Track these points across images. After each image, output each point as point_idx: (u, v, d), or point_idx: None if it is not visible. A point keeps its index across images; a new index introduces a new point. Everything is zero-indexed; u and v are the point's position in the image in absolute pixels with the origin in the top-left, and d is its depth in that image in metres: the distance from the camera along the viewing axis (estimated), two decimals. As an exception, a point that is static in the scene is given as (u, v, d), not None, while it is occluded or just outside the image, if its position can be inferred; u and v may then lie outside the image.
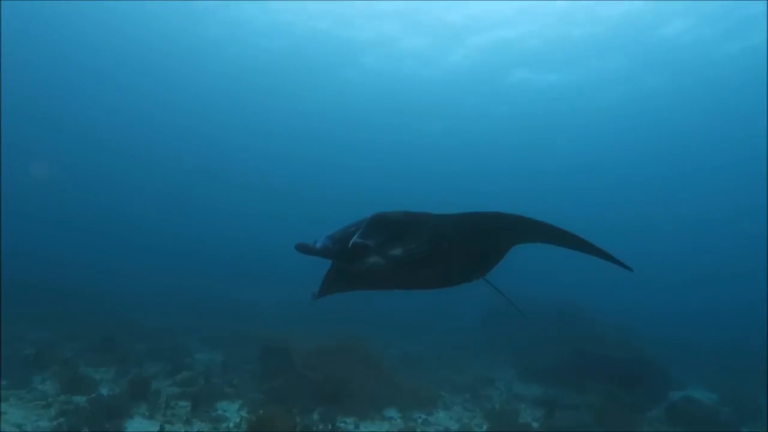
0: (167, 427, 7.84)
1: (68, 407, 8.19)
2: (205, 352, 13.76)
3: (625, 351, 13.07)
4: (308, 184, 56.12)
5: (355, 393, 9.67)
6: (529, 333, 17.23)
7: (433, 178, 52.22)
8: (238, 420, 8.44)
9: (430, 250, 2.78)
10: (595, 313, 19.37)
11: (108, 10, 34.25)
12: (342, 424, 8.63)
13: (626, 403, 10.25)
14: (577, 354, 13.46)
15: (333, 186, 55.21)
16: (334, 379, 9.91)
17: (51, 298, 18.12)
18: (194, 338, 15.24)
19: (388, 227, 2.70)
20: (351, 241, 2.62)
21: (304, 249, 2.74)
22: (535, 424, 9.73)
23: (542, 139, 46.90)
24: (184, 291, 23.20)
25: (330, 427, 8.16)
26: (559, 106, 41.45)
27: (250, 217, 57.28)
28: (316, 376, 10.16)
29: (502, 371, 14.69)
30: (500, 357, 16.13)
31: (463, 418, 10.01)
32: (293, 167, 55.58)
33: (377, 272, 2.80)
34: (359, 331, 13.23)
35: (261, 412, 8.60)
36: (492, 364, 15.37)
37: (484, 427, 9.53)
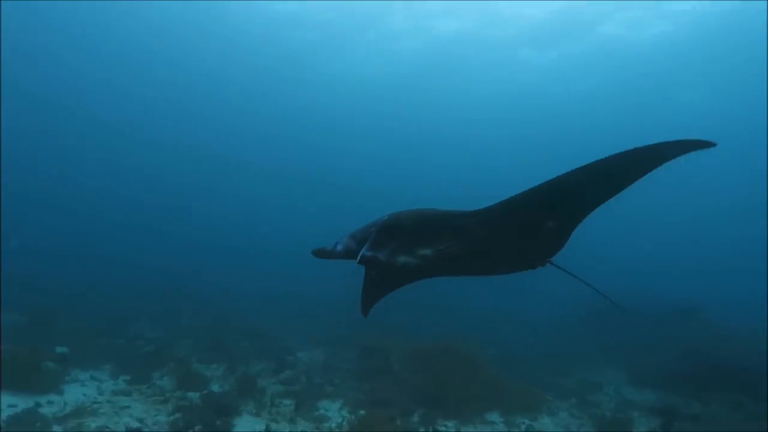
0: (273, 426, 8.08)
1: (183, 403, 8.67)
2: (307, 351, 14.12)
3: (753, 357, 11.81)
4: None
5: (455, 395, 9.47)
6: (638, 334, 16.15)
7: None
8: (339, 420, 8.53)
9: (460, 247, 2.66)
10: (714, 313, 17.83)
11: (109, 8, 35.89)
12: (443, 428, 8.47)
13: (756, 416, 9.24)
14: (696, 358, 12.37)
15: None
16: (433, 380, 9.78)
17: (163, 298, 19.42)
18: (296, 337, 15.69)
19: (402, 230, 2.62)
20: (359, 254, 2.54)
21: (322, 254, 2.69)
22: (651, 435, 9.04)
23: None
24: (280, 292, 23.98)
25: (431, 430, 8.02)
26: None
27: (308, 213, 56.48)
28: (416, 378, 10.08)
29: (611, 375, 13.82)
30: (607, 359, 15.21)
31: (570, 426, 9.49)
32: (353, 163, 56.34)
33: (419, 269, 2.73)
34: (455, 332, 13.01)
35: (362, 413, 8.67)
36: (598, 366, 14.52)
37: (594, 436, 8.99)
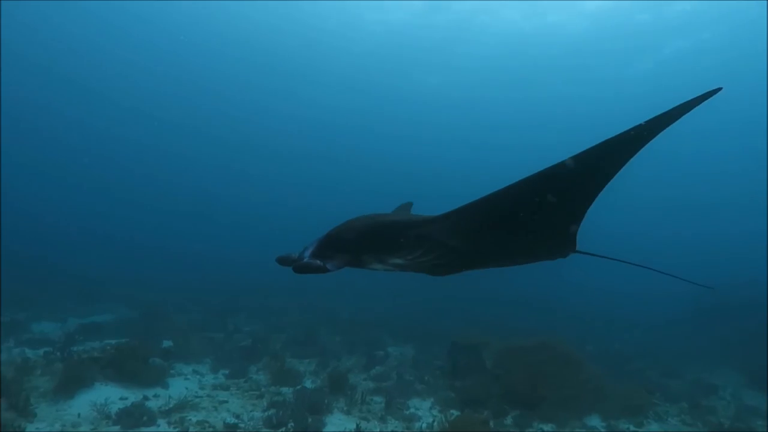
0: (363, 424, 8.06)
1: (277, 398, 8.88)
2: (397, 346, 14.09)
3: None
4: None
5: (552, 396, 8.99)
6: (754, 329, 14.62)
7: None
8: (430, 420, 8.36)
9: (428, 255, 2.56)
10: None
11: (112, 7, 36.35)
12: (539, 432, 8.05)
13: None
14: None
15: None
16: (528, 380, 9.33)
17: (257, 292, 20.18)
18: (386, 332, 15.72)
19: (345, 242, 2.57)
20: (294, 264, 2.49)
21: (285, 262, 2.59)
22: (779, 446, 8.10)
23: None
24: (367, 286, 24.15)
25: (526, 435, 7.64)
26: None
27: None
28: (509, 377, 9.68)
29: (726, 375, 12.63)
30: (722, 358, 13.92)
31: (682, 433, 8.73)
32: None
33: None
34: (547, 328, 12.44)
35: (453, 413, 8.45)
36: (712, 366, 13.32)
37: (711, 446, 8.20)
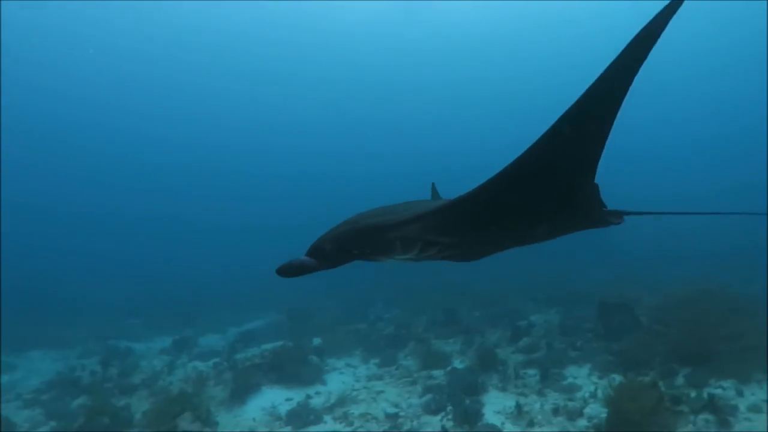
0: (521, 399, 7.87)
1: (431, 383, 8.97)
2: (540, 314, 13.64)
3: None
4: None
5: (726, 349, 8.15)
6: None
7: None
8: (592, 388, 7.96)
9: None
10: None
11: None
12: (718, 390, 7.34)
13: None
14: None
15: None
16: (693, 333, 8.54)
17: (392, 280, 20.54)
18: (526, 299, 15.30)
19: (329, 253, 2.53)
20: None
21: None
22: None
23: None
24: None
25: (705, 394, 6.98)
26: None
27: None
28: (671, 332, 8.96)
29: None
30: None
31: None
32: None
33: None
34: (698, 273, 11.32)
35: (616, 378, 7.99)
36: None
37: None
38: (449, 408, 7.72)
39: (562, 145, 2.03)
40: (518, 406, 7.51)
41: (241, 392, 8.94)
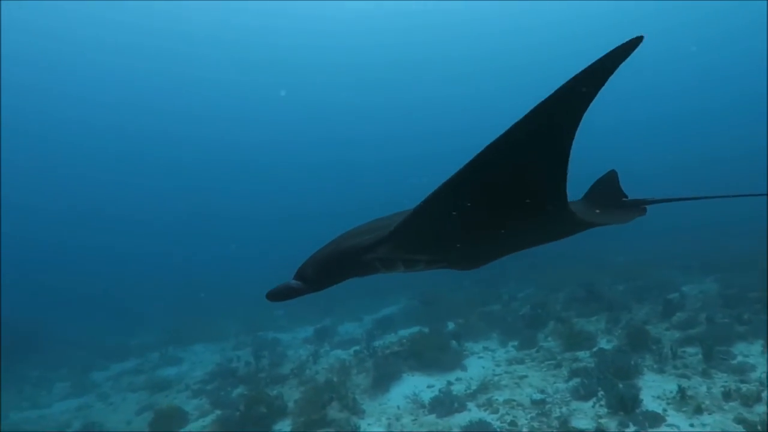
0: (684, 382, 7.17)
1: (577, 365, 8.49)
2: (694, 284, 12.42)
3: None
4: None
5: None
6: None
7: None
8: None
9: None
10: None
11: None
12: None
13: None
14: None
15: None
16: None
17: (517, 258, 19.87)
18: (674, 268, 14.01)
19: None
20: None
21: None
22: None
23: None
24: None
25: None
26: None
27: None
28: None
29: None
30: None
31: None
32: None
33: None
34: None
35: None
36: None
37: None
38: (600, 393, 7.24)
39: (511, 157, 1.89)
40: (681, 390, 6.84)
41: (383, 380, 9.12)
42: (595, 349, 9.13)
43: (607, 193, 2.99)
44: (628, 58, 1.62)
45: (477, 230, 2.29)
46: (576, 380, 7.85)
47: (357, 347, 11.76)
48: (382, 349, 10.59)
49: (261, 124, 55.34)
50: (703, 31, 46.87)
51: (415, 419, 7.71)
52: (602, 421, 6.57)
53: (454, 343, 10.40)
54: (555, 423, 6.77)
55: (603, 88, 1.72)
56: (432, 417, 7.67)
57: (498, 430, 6.82)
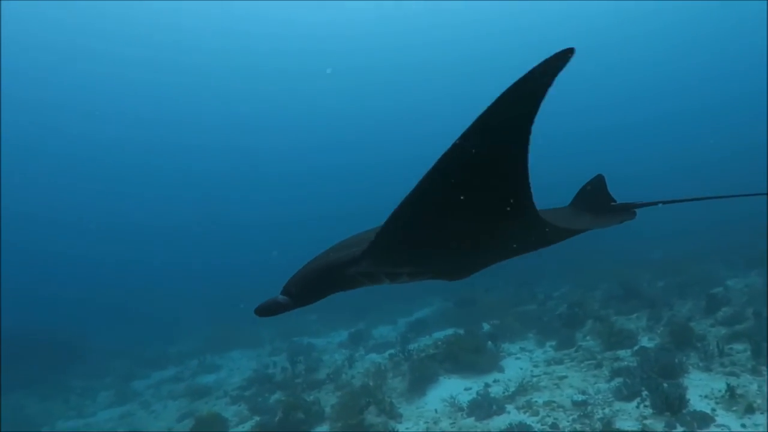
0: (732, 380, 6.91)
1: (618, 365, 8.27)
2: (738, 278, 11.99)
3: None
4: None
5: None
6: None
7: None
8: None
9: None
10: None
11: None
12: None
13: None
14: None
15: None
16: None
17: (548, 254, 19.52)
18: (717, 262, 13.56)
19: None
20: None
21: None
22: None
23: None
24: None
25: None
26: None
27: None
28: None
29: None
30: None
31: None
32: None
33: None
34: None
35: None
36: None
37: None
38: (645, 393, 7.02)
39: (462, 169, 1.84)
40: (730, 389, 6.59)
41: (419, 383, 9.05)
42: (636, 348, 8.89)
43: (595, 198, 3.01)
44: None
45: (449, 239, 2.26)
46: (618, 380, 7.64)
47: (392, 351, 11.71)
48: (418, 352, 10.51)
49: (288, 131, 56.13)
50: (702, 30, 46.59)
51: (454, 422, 7.62)
52: (647, 422, 6.36)
53: (490, 344, 10.25)
54: (598, 425, 6.59)
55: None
56: (471, 420, 7.56)
57: (539, 432, 6.67)
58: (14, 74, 39.80)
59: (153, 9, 40.82)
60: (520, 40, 46.02)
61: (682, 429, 6.08)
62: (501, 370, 9.31)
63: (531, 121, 1.69)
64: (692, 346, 8.32)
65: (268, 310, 2.51)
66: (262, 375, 12.22)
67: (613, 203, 2.99)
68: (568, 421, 6.93)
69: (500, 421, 7.30)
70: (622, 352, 8.91)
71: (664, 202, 2.77)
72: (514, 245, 2.48)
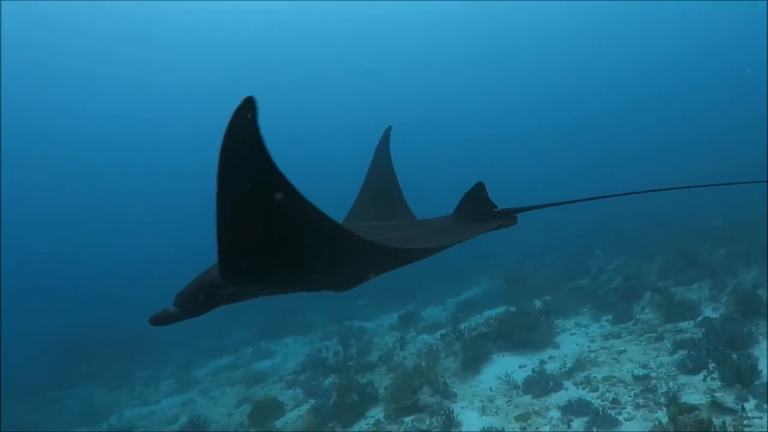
0: (809, 349, 6.49)
1: (681, 337, 7.93)
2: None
3: None
4: None
5: None
6: None
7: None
8: None
9: None
10: None
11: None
12: None
13: None
14: None
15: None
16: None
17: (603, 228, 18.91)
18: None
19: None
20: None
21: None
22: None
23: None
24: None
25: None
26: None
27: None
28: None
29: None
30: None
31: None
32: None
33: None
34: None
35: None
36: None
37: None
38: (712, 365, 6.69)
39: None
40: (806, 358, 6.20)
41: (472, 362, 8.92)
42: (699, 319, 8.49)
43: (475, 206, 3.01)
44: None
45: (276, 269, 2.13)
46: (682, 353, 7.32)
47: (443, 331, 11.62)
48: (469, 331, 10.36)
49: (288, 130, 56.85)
50: (702, 30, 46.40)
51: (510, 400, 7.48)
52: (717, 395, 6.05)
53: (543, 320, 10.00)
54: (662, 399, 6.32)
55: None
56: (527, 398, 7.41)
57: (600, 408, 6.45)
58: (14, 74, 40.94)
59: (153, 9, 41.93)
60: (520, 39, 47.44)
61: (755, 401, 5.76)
62: (556, 346, 9.08)
63: (269, 164, 1.52)
64: (761, 314, 7.86)
65: (159, 320, 2.51)
66: (316, 359, 12.35)
67: (495, 209, 3.01)
68: (629, 396, 6.68)
69: (558, 397, 7.12)
70: (684, 324, 8.54)
71: (544, 206, 2.82)
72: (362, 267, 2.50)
